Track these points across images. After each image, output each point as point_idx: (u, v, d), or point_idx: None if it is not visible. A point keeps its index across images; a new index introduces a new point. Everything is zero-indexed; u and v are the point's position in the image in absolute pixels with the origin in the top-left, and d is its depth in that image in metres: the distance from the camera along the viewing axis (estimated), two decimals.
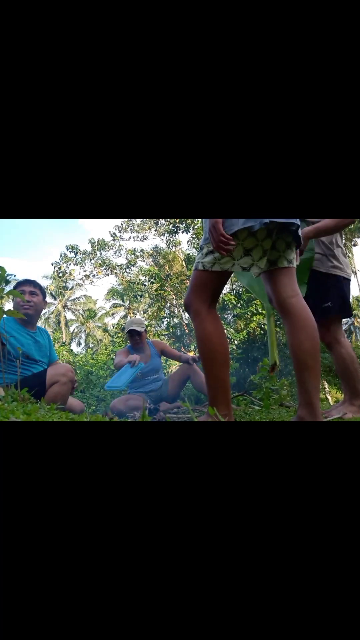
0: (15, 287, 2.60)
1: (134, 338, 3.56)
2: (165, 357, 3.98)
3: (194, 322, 1.60)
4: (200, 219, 10.28)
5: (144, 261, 12.33)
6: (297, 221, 1.53)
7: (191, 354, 3.77)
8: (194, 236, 11.00)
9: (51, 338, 2.81)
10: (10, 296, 2.25)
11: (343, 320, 2.35)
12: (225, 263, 1.50)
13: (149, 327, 10.67)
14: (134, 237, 12.26)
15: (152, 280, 10.64)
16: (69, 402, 2.55)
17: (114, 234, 11.86)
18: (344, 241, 2.36)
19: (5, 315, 2.28)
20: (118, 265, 11.93)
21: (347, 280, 2.31)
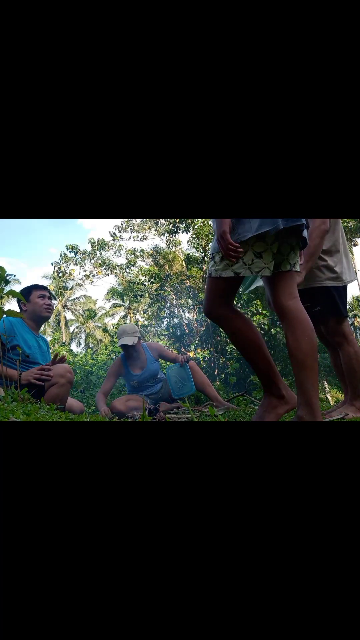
0: (34, 290, 2.64)
1: (128, 351, 3.35)
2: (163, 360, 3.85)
3: (221, 326, 1.67)
4: (200, 219, 10.27)
5: (143, 261, 12.32)
6: (303, 221, 1.54)
7: (191, 354, 3.66)
8: (194, 236, 10.99)
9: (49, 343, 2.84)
10: (10, 296, 2.26)
11: None
12: (237, 269, 1.54)
13: (149, 328, 10.66)
14: (134, 237, 12.25)
15: (152, 280, 10.63)
16: (68, 402, 2.56)
17: (114, 234, 11.85)
18: (341, 245, 2.31)
19: (9, 316, 2.30)
20: (118, 265, 11.92)
21: (339, 287, 2.28)
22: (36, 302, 2.61)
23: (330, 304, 2.24)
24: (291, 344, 1.53)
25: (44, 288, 2.72)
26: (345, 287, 2.31)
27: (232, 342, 1.66)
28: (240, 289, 2.46)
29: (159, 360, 3.62)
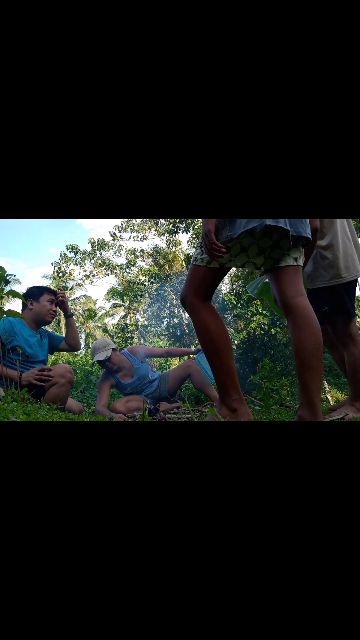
0: (46, 292, 2.65)
1: (104, 365, 3.28)
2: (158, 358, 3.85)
3: (191, 316, 1.63)
4: (200, 219, 10.26)
5: (143, 261, 12.32)
6: (286, 227, 1.52)
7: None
8: (194, 236, 11.00)
9: (48, 329, 2.85)
10: (11, 296, 2.26)
11: None
12: (223, 260, 1.54)
13: (149, 328, 10.65)
14: (134, 237, 12.25)
15: (152, 280, 10.64)
16: (67, 402, 2.56)
17: (114, 234, 11.85)
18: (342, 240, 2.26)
19: (9, 316, 2.30)
20: (118, 265, 11.92)
21: (346, 284, 2.21)
22: (44, 305, 2.63)
23: (337, 303, 2.19)
24: (296, 343, 1.50)
25: (54, 293, 2.74)
26: (353, 283, 2.24)
27: (197, 335, 1.63)
28: (249, 291, 2.46)
29: (147, 360, 3.58)
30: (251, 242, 1.52)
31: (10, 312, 2.18)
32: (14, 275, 2.34)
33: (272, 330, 7.92)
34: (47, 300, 2.65)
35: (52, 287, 2.89)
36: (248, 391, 4.37)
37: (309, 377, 1.47)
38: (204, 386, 3.37)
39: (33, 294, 2.64)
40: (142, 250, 12.16)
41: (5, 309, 2.14)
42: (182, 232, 11.20)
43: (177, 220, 10.87)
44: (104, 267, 11.77)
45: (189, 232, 11.08)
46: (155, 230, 12.07)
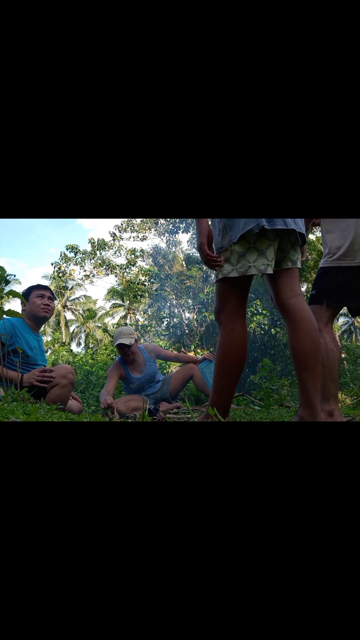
0: (33, 290, 2.63)
1: (124, 351, 3.34)
2: (162, 360, 3.91)
3: (220, 332, 1.62)
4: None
5: (143, 261, 12.33)
6: (297, 226, 1.53)
7: (192, 354, 3.71)
8: (194, 236, 11.00)
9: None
10: (11, 296, 2.26)
11: (343, 320, 2.18)
12: (241, 267, 1.51)
13: (149, 328, 10.66)
14: (134, 237, 12.26)
15: (152, 280, 10.64)
16: (67, 402, 2.56)
17: (114, 234, 11.86)
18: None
19: (11, 318, 2.30)
20: (118, 265, 11.93)
21: (343, 269, 1.95)
22: (34, 302, 2.59)
23: (329, 284, 1.98)
24: (293, 344, 1.51)
25: (44, 288, 2.69)
26: (347, 270, 1.97)
27: (216, 352, 1.61)
28: None
29: (157, 361, 3.64)
30: (268, 244, 1.50)
31: (11, 312, 2.18)
32: (14, 275, 2.34)
33: (272, 330, 7.92)
34: (36, 297, 2.59)
35: (52, 288, 2.88)
36: (248, 391, 4.37)
37: (307, 377, 1.48)
38: (206, 387, 3.37)
39: (24, 296, 2.63)
40: (142, 250, 12.16)
41: (5, 309, 2.14)
42: (182, 232, 11.21)
43: (177, 220, 10.87)
44: (104, 267, 11.78)
45: (189, 232, 11.09)
46: (155, 230, 12.08)
